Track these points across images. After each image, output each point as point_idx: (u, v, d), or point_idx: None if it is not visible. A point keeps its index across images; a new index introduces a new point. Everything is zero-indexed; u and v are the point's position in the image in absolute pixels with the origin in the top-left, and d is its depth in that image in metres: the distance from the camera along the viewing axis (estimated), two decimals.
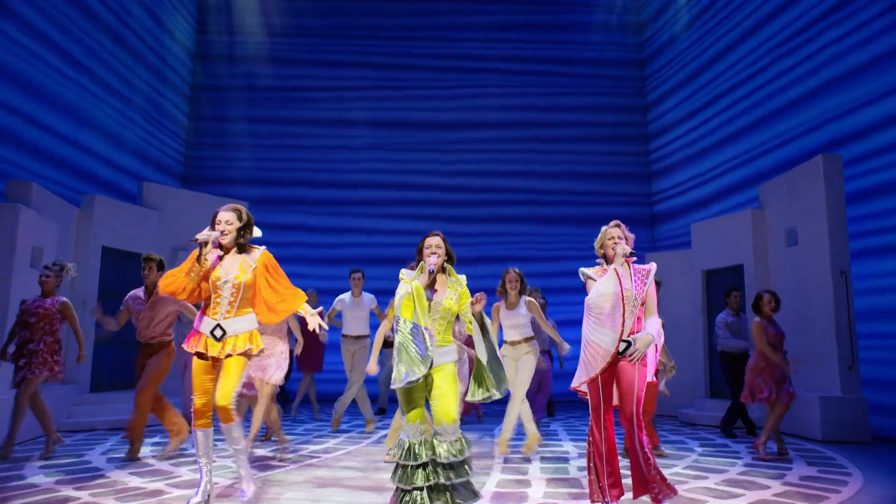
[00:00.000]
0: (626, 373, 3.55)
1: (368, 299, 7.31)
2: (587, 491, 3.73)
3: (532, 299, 5.65)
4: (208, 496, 3.65)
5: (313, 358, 8.36)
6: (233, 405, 3.62)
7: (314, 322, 3.85)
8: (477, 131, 12.55)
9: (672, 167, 11.72)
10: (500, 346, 5.63)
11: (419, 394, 3.44)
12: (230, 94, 12.48)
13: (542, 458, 5.53)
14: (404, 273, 3.63)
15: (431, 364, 3.42)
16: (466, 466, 3.39)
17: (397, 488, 3.39)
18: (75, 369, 7.37)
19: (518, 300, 5.60)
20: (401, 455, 3.38)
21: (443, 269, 3.64)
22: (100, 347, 7.97)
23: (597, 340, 3.53)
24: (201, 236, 3.60)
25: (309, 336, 8.31)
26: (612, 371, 3.56)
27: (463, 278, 3.67)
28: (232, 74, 12.54)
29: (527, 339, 5.59)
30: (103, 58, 9.29)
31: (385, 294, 5.93)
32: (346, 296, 7.35)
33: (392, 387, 3.43)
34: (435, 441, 3.39)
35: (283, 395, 9.34)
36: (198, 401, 3.67)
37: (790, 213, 7.58)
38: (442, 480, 3.32)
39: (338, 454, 5.69)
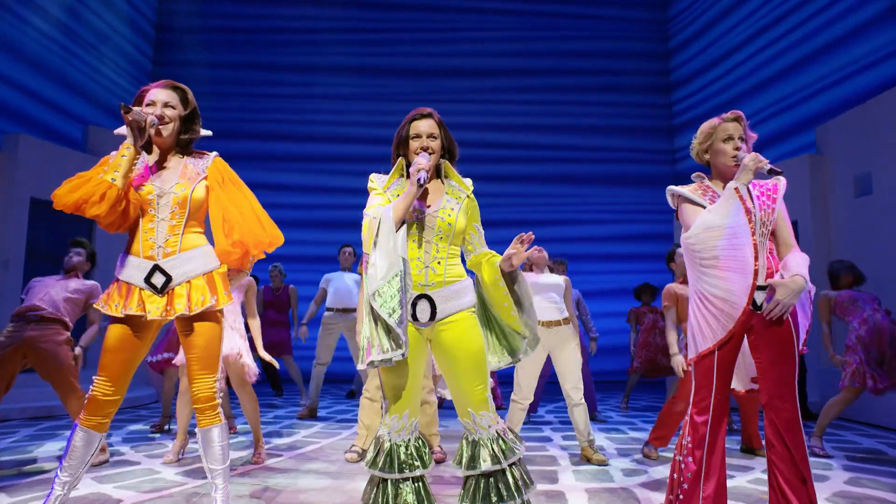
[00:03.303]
0: (772, 337, 2.23)
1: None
2: None
3: (568, 279, 4.36)
4: None
5: (280, 341, 6.99)
6: (219, 398, 2.33)
7: None
8: (476, 79, 11.12)
9: (698, 119, 10.32)
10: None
11: (414, 367, 2.12)
12: (196, 35, 10.97)
13: (572, 455, 4.28)
14: (375, 179, 2.30)
15: (433, 317, 2.13)
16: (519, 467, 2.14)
17: None
18: None
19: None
20: (374, 461, 2.11)
21: (437, 171, 2.32)
22: None
23: (715, 291, 2.21)
24: (135, 113, 2.22)
25: (276, 314, 7.13)
26: (735, 341, 2.24)
27: (468, 182, 2.36)
28: (199, 13, 11.02)
29: (564, 321, 4.16)
30: None
31: None
32: (332, 275, 6.40)
33: (359, 367, 2.12)
34: (464, 443, 2.14)
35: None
36: (103, 387, 2.26)
37: (861, 156, 6.30)
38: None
39: (306, 450, 4.41)
